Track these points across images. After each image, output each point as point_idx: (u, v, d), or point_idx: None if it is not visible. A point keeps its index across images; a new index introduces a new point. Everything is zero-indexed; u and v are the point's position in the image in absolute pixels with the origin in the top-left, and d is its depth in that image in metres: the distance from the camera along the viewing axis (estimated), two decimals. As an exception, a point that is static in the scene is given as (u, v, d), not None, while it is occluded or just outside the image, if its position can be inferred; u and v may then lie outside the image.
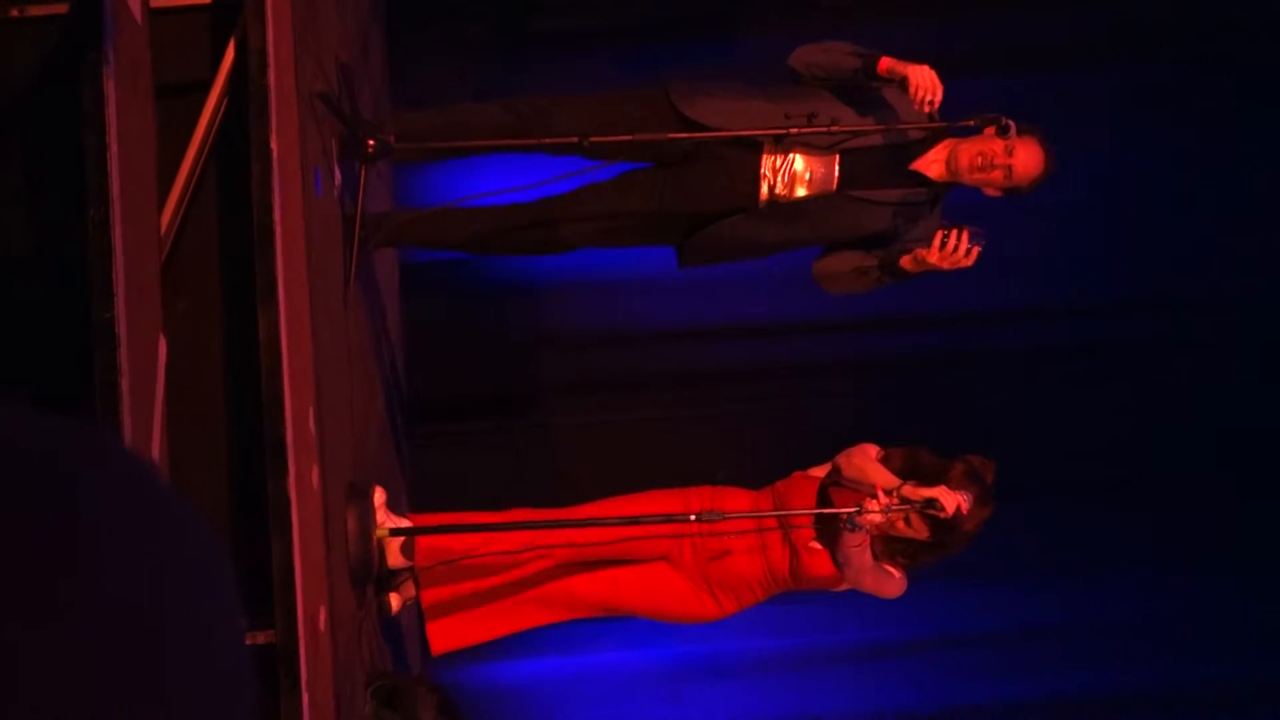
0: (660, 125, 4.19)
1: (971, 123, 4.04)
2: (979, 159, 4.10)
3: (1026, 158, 4.10)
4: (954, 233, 3.95)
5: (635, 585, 4.35)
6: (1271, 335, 6.30)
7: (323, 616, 3.27)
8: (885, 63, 3.99)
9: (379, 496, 4.03)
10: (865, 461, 4.18)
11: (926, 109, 3.95)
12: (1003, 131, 4.00)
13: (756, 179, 4.22)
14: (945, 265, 3.99)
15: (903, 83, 3.96)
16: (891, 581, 4.23)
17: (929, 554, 4.18)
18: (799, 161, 4.22)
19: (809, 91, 4.17)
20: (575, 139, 4.03)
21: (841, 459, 4.24)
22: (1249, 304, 6.29)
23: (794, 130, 4.06)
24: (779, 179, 4.23)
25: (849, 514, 4.00)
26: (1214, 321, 6.32)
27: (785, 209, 4.23)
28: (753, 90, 4.25)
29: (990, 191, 4.21)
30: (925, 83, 3.91)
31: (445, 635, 4.43)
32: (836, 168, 4.20)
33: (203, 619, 0.78)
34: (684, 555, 4.29)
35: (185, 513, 0.80)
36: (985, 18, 6.23)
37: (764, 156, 4.21)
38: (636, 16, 6.40)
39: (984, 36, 6.12)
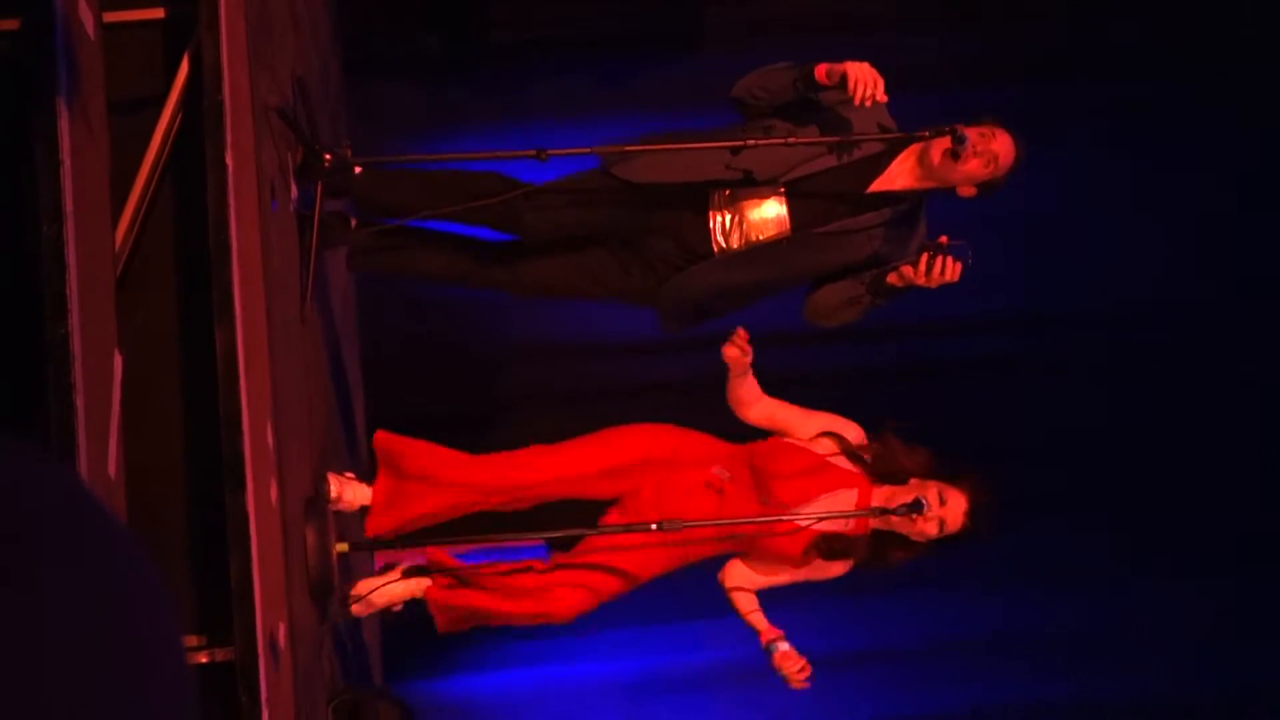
0: (606, 194, 4.16)
1: (926, 133, 4.04)
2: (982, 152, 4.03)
3: (1002, 145, 4.06)
4: (938, 256, 3.88)
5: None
6: (1230, 348, 6.35)
7: (282, 633, 3.25)
8: (822, 68, 3.92)
9: (333, 484, 4.01)
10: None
11: (869, 103, 3.85)
12: (958, 143, 3.99)
13: (707, 232, 4.18)
14: (931, 285, 3.94)
15: (844, 84, 3.86)
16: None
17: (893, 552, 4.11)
18: (749, 206, 4.16)
19: (751, 125, 4.10)
20: (533, 153, 4.03)
21: None
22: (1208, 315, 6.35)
23: (751, 142, 4.04)
24: (729, 227, 4.17)
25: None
26: (1170, 333, 6.37)
27: (743, 254, 4.17)
28: (687, 137, 4.16)
29: (965, 192, 4.12)
30: (863, 76, 3.82)
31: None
32: (785, 205, 4.14)
33: (146, 653, 0.78)
34: (641, 498, 4.10)
35: (130, 548, 0.80)
36: (947, 31, 6.26)
37: (711, 211, 4.17)
38: (594, 30, 6.41)
39: (945, 50, 6.15)
